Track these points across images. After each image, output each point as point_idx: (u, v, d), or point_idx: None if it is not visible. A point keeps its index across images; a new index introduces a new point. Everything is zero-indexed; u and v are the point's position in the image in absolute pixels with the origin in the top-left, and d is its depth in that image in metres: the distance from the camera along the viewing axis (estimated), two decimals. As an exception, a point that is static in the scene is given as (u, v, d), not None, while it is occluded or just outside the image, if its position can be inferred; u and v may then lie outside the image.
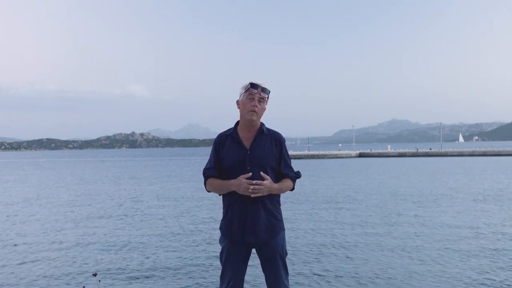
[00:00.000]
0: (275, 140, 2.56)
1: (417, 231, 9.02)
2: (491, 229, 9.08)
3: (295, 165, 2.60)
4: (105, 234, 9.46)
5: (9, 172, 40.76)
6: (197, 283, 5.89)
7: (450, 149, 67.46)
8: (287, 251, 2.64)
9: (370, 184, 20.44)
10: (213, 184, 2.52)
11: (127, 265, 6.86)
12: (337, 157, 60.56)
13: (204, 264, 6.83)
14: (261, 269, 2.61)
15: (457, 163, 40.07)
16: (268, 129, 2.59)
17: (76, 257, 7.39)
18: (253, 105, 2.46)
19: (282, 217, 2.61)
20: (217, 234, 2.84)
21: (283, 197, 2.67)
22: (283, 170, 2.55)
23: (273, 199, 2.53)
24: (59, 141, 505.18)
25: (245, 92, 2.50)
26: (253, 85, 2.47)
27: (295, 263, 6.66)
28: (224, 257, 2.55)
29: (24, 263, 7.10)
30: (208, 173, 2.55)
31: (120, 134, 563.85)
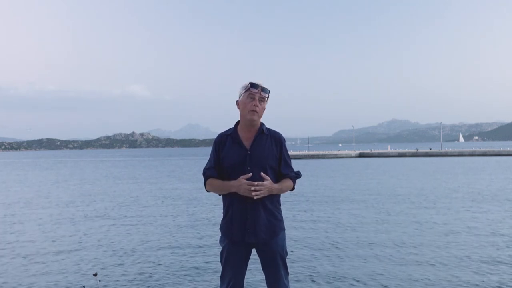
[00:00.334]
0: (275, 140, 2.56)
1: (416, 231, 9.01)
2: (489, 229, 9.08)
3: (295, 165, 2.60)
4: (105, 234, 9.46)
5: (8, 172, 40.74)
6: (197, 283, 5.88)
7: (450, 149, 67.45)
8: (287, 251, 2.64)
9: (370, 184, 20.44)
10: (213, 184, 2.52)
11: (127, 265, 6.85)
12: (337, 157, 60.56)
13: (204, 264, 6.83)
14: (261, 269, 2.61)
15: (457, 163, 40.07)
16: (268, 129, 2.59)
17: (76, 257, 7.39)
18: (254, 105, 2.46)
19: (282, 217, 2.61)
20: (217, 234, 2.84)
21: (283, 197, 2.67)
22: (283, 170, 2.55)
23: (273, 199, 2.53)
24: (59, 141, 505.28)
25: (245, 92, 2.49)
26: (253, 85, 2.47)
27: (295, 263, 6.66)
28: (224, 257, 2.55)
29: (23, 263, 7.10)
30: (208, 173, 2.55)
31: (120, 134, 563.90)
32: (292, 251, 7.27)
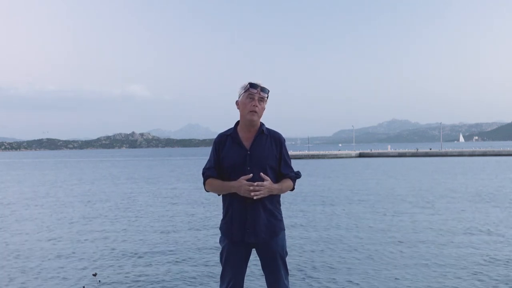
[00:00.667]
0: (275, 140, 2.56)
1: (415, 231, 9.01)
2: (487, 230, 9.08)
3: (295, 165, 2.60)
4: (105, 234, 9.46)
5: (8, 172, 40.74)
6: (197, 283, 5.88)
7: (450, 149, 67.46)
8: (287, 251, 2.64)
9: (369, 184, 20.44)
10: (213, 184, 2.52)
11: (127, 265, 6.85)
12: (337, 157, 60.55)
13: (204, 264, 6.83)
14: (261, 269, 2.61)
15: (457, 163, 40.07)
16: (268, 129, 2.59)
17: (76, 257, 7.39)
18: (254, 105, 2.46)
19: (282, 217, 2.61)
20: (217, 234, 2.84)
21: (282, 197, 2.66)
22: (283, 170, 2.55)
23: (273, 199, 2.53)
24: (59, 141, 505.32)
25: (244, 92, 2.49)
26: (252, 85, 2.47)
27: (295, 263, 6.66)
28: (224, 257, 2.55)
29: (23, 263, 7.09)
30: (208, 173, 2.55)
31: (120, 134, 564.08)
32: (292, 251, 7.27)
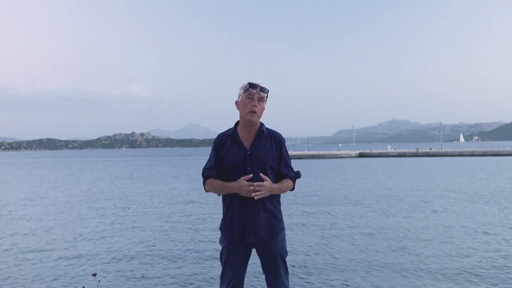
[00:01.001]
0: (275, 140, 2.56)
1: (416, 231, 9.01)
2: (486, 229, 9.08)
3: (295, 165, 2.60)
4: (104, 234, 9.45)
5: (8, 172, 40.74)
6: (197, 283, 5.88)
7: (450, 149, 67.45)
8: (287, 251, 2.64)
9: (369, 184, 20.44)
10: (213, 184, 2.52)
11: (127, 265, 6.85)
12: (337, 157, 60.55)
13: (204, 264, 6.83)
14: (261, 269, 2.61)
15: (457, 163, 40.07)
16: (268, 129, 2.59)
17: (75, 257, 7.38)
18: (253, 105, 2.45)
19: (282, 217, 2.61)
20: (217, 234, 2.83)
21: (282, 197, 2.66)
22: (283, 170, 2.55)
23: (273, 199, 2.53)
24: (59, 141, 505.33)
25: (244, 92, 2.49)
26: (251, 85, 2.47)
27: (295, 263, 6.66)
28: (224, 257, 2.55)
29: (23, 263, 7.09)
30: (208, 173, 2.54)
31: (120, 134, 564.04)
32: (292, 251, 7.26)
